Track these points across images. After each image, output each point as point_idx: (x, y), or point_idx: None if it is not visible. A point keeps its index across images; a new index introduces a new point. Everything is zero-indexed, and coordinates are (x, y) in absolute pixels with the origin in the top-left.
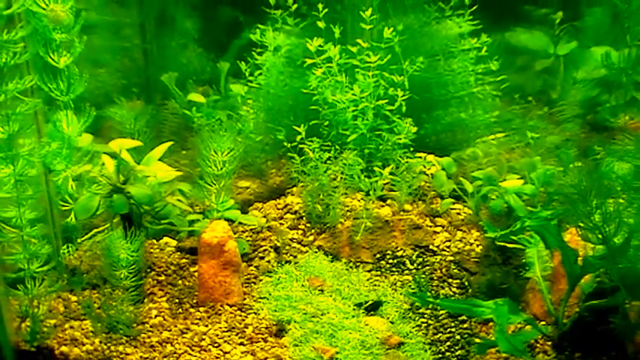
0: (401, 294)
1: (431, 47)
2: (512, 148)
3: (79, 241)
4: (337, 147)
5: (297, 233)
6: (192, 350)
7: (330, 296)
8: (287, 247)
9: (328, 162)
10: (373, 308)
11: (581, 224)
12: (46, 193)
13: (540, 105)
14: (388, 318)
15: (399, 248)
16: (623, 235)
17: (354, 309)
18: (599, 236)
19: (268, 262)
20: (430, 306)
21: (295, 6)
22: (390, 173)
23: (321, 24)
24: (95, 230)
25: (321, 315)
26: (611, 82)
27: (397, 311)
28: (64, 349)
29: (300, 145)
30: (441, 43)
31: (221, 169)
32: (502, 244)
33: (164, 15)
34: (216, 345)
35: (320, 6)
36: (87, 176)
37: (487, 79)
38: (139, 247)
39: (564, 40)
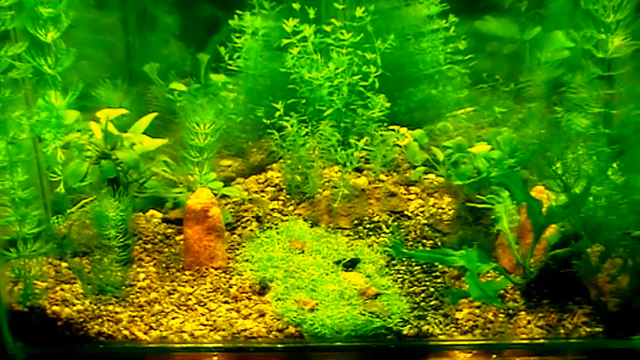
0: (377, 252)
1: (402, 28)
2: (481, 126)
3: (67, 212)
4: (314, 123)
5: (278, 204)
6: (179, 309)
7: (310, 255)
8: (268, 217)
9: (306, 137)
10: (351, 265)
11: (544, 174)
12: (35, 163)
13: (507, 83)
14: (365, 273)
15: (375, 214)
16: (583, 184)
17: (333, 266)
18: (561, 185)
19: (251, 230)
20: (405, 263)
21: None
22: (365, 146)
23: (295, 5)
24: (84, 201)
25: (302, 272)
26: (574, 63)
27: (374, 267)
28: (55, 308)
29: (279, 122)
30: (410, 24)
31: (204, 140)
32: (472, 204)
33: (145, 12)
34: (202, 304)
35: None
36: (75, 144)
37: (456, 58)
38: (127, 206)
39: (530, 27)
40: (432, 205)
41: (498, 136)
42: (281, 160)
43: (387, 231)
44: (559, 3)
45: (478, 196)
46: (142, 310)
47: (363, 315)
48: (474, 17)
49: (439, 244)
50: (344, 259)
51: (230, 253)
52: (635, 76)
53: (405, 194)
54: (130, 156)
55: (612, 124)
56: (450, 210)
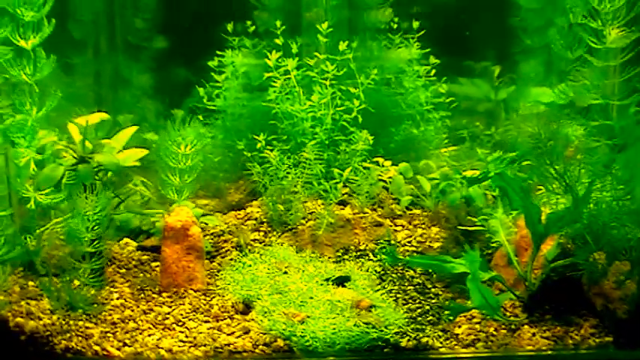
0: (367, 270)
1: (384, 69)
2: (463, 166)
3: (37, 231)
4: (296, 156)
5: (259, 235)
6: (156, 327)
7: (297, 273)
8: (249, 247)
9: (288, 168)
10: (341, 282)
11: (545, 173)
12: (5, 176)
13: (487, 128)
14: (357, 289)
15: (361, 243)
16: (584, 186)
17: (321, 284)
18: (562, 185)
19: (231, 259)
20: (397, 283)
21: (253, 27)
22: (349, 180)
23: (278, 41)
24: (55, 220)
25: (289, 288)
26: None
27: (366, 282)
28: (19, 320)
29: (261, 155)
30: (392, 65)
31: (184, 163)
32: (464, 228)
33: (118, 71)
34: (180, 323)
35: (278, 23)
36: (52, 149)
37: (437, 100)
38: (105, 206)
39: (504, 87)
40: (420, 236)
41: (489, 157)
42: (261, 198)
43: (375, 259)
44: (531, 64)
45: (470, 218)
46: (116, 327)
47: (358, 326)
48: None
49: (430, 270)
50: (333, 277)
51: (210, 279)
52: (632, 68)
53: (391, 226)
54: (110, 160)
55: (610, 116)
56: (438, 239)
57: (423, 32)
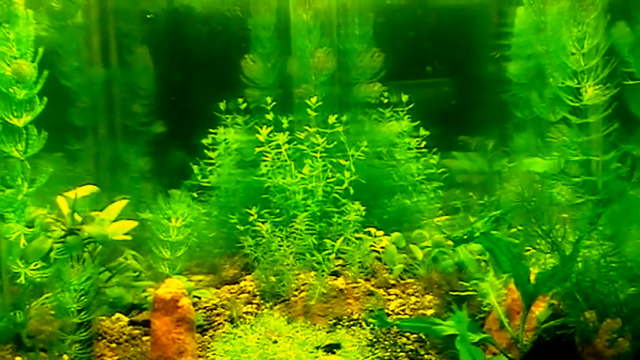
0: (359, 337)
1: (375, 142)
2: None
3: (27, 307)
4: (289, 229)
5: (252, 307)
6: None
7: (287, 342)
8: (241, 320)
9: (280, 241)
10: (332, 349)
11: (532, 232)
12: None
13: (481, 196)
14: (347, 358)
15: (354, 313)
16: (571, 243)
17: (311, 352)
18: (549, 244)
19: (223, 332)
20: (389, 350)
21: (245, 104)
22: (341, 251)
23: (269, 116)
24: (45, 296)
25: (277, 357)
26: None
27: (357, 349)
28: None
29: (253, 228)
30: (384, 138)
31: (175, 236)
32: (456, 293)
33: (117, 155)
34: None
35: (268, 99)
36: (41, 221)
37: (429, 171)
38: (91, 276)
39: (498, 160)
40: (414, 304)
41: (477, 223)
42: (255, 271)
43: (368, 327)
44: (525, 137)
45: (461, 283)
46: None
47: None
48: (444, 157)
49: (423, 336)
50: (323, 344)
51: (201, 351)
52: (609, 124)
53: (384, 295)
54: (98, 231)
55: (593, 172)
56: (433, 306)
57: (412, 105)
